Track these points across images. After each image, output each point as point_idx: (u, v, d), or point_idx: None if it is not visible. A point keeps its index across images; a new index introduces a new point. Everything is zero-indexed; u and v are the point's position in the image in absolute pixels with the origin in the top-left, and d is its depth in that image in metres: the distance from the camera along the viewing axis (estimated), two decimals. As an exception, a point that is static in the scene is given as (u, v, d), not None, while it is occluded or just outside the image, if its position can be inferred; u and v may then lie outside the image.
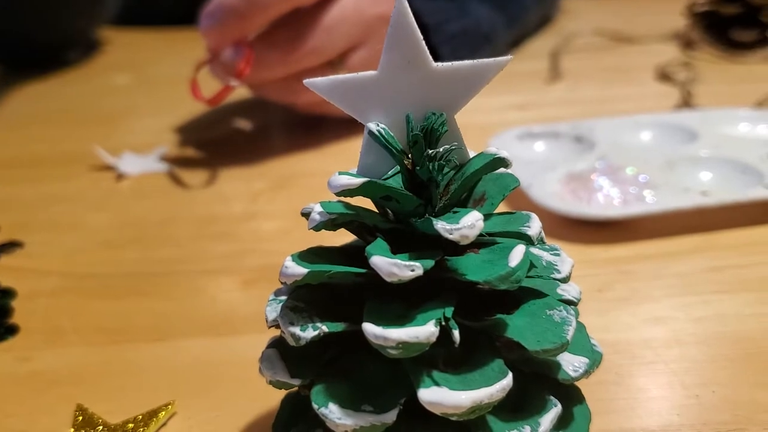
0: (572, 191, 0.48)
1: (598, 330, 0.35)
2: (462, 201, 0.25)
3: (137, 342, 0.37)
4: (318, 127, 0.64)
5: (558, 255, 0.25)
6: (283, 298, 0.25)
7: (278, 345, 0.25)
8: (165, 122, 0.70)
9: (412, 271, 0.21)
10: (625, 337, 0.35)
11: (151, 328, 0.38)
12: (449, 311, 0.22)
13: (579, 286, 0.27)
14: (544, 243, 0.25)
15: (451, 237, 0.21)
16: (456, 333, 0.21)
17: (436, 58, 0.23)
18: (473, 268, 0.22)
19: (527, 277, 0.23)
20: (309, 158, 0.60)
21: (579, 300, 0.26)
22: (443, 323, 0.21)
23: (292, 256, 0.24)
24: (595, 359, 0.24)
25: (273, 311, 0.25)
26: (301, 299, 0.24)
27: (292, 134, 0.65)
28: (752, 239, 0.43)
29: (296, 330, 0.22)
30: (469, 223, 0.22)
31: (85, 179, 0.58)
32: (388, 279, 0.21)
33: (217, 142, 0.65)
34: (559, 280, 0.24)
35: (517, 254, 0.22)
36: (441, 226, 0.21)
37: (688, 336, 0.35)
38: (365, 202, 0.24)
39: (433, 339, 0.21)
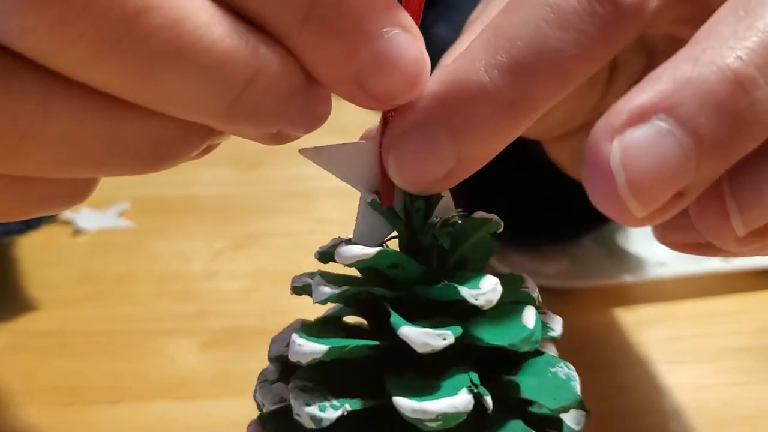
0: (530, 258, 0.48)
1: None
2: (454, 266, 0.25)
3: (94, 403, 0.35)
4: (279, 186, 0.64)
5: (546, 314, 0.26)
6: (274, 378, 0.24)
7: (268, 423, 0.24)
8: (124, 177, 0.69)
9: (444, 339, 0.21)
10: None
11: (108, 389, 0.36)
12: (475, 377, 0.21)
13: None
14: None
15: (476, 303, 0.21)
16: (489, 399, 0.21)
17: None
18: (490, 333, 0.22)
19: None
20: (270, 217, 0.59)
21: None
22: (474, 390, 0.21)
23: (298, 332, 0.22)
24: (587, 413, 0.25)
25: (266, 395, 0.24)
26: (309, 378, 0.22)
27: (254, 193, 0.65)
28: (708, 310, 0.44)
29: (315, 411, 0.21)
30: (491, 287, 0.22)
31: (40, 234, 0.56)
32: (420, 350, 0.21)
33: (178, 198, 0.64)
34: (554, 338, 0.25)
35: (529, 315, 0.22)
36: (467, 292, 0.21)
37: (647, 405, 0.35)
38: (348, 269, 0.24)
39: (470, 407, 0.20)
